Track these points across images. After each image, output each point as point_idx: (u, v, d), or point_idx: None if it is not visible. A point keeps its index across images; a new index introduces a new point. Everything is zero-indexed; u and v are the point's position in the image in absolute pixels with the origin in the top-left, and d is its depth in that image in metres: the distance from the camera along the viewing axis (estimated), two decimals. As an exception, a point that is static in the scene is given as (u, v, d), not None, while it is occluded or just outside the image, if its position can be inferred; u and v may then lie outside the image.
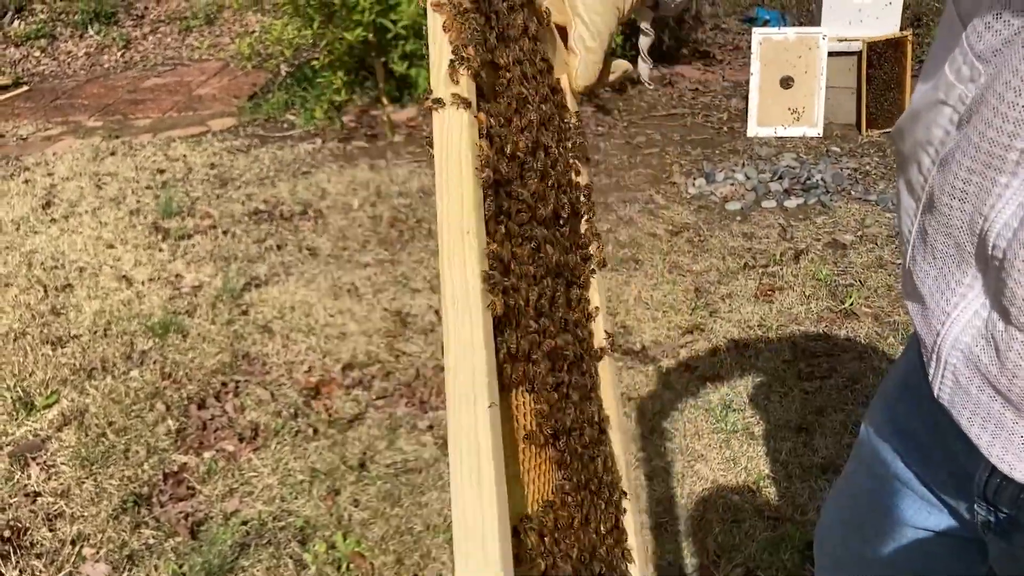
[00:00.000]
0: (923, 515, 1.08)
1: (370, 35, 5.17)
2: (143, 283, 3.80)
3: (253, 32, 6.62)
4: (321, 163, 5.09)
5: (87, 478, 2.69)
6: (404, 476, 2.66)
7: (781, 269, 3.74)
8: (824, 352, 3.16)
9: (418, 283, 3.74)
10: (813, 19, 5.52)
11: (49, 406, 3.03)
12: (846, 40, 5.14)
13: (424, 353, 3.25)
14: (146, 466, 2.74)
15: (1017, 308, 0.77)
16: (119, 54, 7.21)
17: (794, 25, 6.55)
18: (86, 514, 2.55)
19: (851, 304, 3.43)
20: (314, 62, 5.68)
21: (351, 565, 2.35)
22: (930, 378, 0.91)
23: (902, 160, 0.95)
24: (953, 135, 0.85)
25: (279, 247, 4.10)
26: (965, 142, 0.81)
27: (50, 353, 3.31)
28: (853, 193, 4.41)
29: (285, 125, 5.74)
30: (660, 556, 2.34)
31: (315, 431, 2.86)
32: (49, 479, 2.71)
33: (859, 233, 4.01)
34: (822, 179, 4.52)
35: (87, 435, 2.87)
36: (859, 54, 5.07)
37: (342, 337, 3.36)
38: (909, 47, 5.03)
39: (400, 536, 2.44)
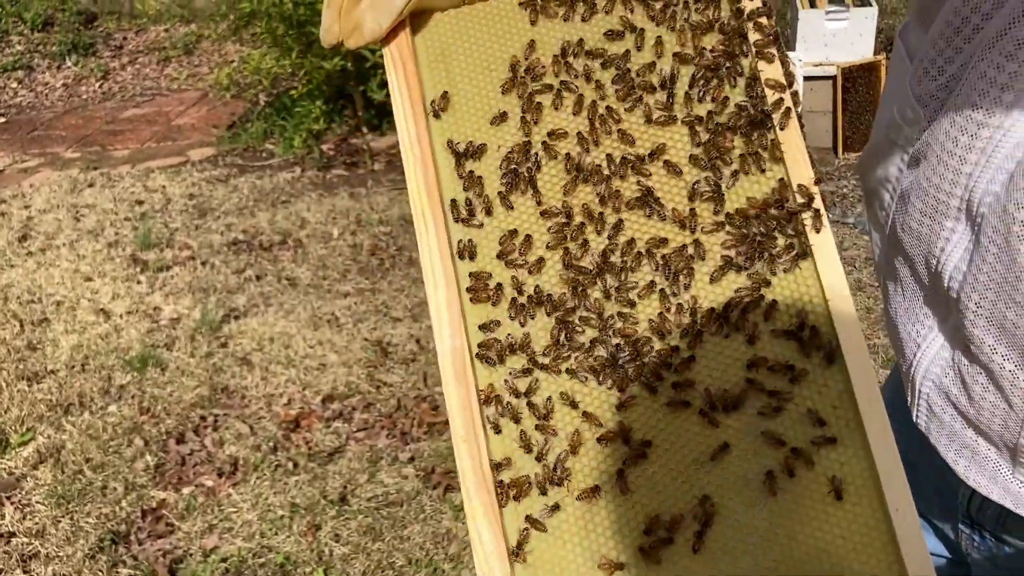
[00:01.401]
0: None
1: (348, 64, 5.19)
2: (121, 316, 3.77)
3: (232, 62, 6.63)
4: (300, 192, 5.08)
5: (63, 517, 2.65)
6: (385, 510, 2.64)
7: (761, 293, 3.75)
8: (805, 376, 3.17)
9: (399, 312, 3.72)
10: (788, 44, 5.58)
11: (24, 443, 2.99)
12: (821, 64, 5.20)
13: (406, 383, 3.23)
14: (124, 503, 2.70)
15: (976, 346, 0.79)
16: (97, 85, 7.19)
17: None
18: (62, 554, 2.51)
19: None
20: (293, 91, 5.69)
21: (332, 602, 2.32)
22: (908, 404, 0.94)
23: (867, 195, 0.98)
24: (906, 173, 0.88)
25: (258, 278, 4.08)
26: (916, 185, 0.84)
27: (26, 389, 3.27)
28: (830, 216, 4.43)
29: (264, 154, 5.73)
30: None
31: (295, 465, 2.84)
32: (24, 519, 2.66)
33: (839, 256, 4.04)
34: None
35: (63, 472, 2.83)
36: (834, 78, 5.13)
37: (322, 368, 3.34)
38: (883, 71, 5.08)
39: (382, 571, 2.42)
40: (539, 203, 0.85)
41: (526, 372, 0.82)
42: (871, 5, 5.16)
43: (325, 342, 3.52)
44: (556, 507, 0.80)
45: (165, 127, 6.40)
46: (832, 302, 0.77)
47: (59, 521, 2.63)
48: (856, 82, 5.12)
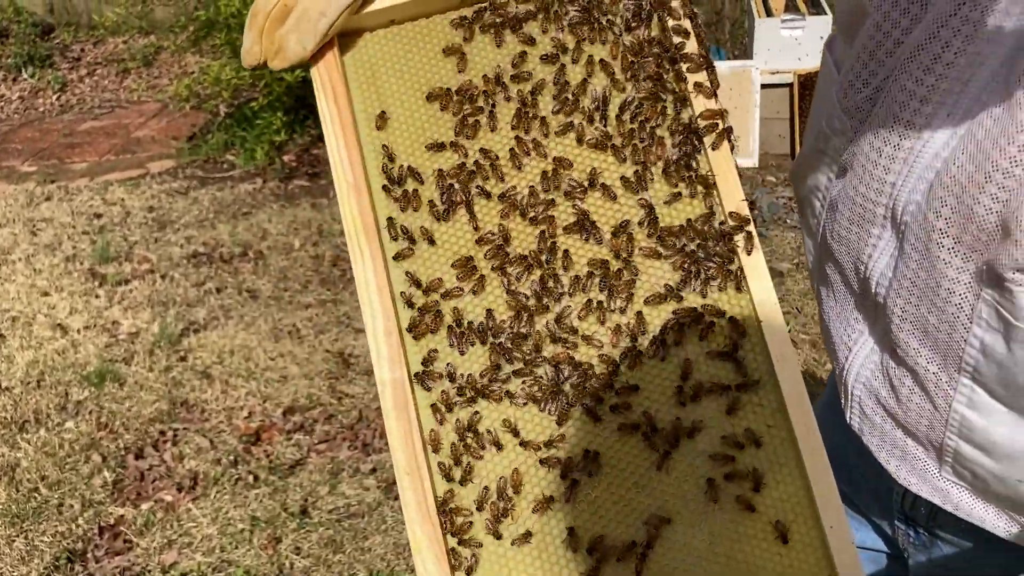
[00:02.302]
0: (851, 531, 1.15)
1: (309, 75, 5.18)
2: (79, 331, 3.73)
3: (191, 73, 6.59)
4: (262, 203, 5.05)
5: (17, 536, 2.61)
6: (347, 521, 2.63)
7: (720, 299, 3.78)
8: (764, 380, 3.20)
9: (361, 323, 3.71)
10: (745, 52, 5.65)
11: (-22, 462, 2.94)
12: (778, 72, 5.27)
13: (367, 394, 3.22)
14: (80, 520, 2.67)
15: (902, 349, 0.82)
16: (55, 97, 7.10)
17: (729, 58, 6.69)
18: (16, 574, 2.48)
19: (788, 331, 3.48)
20: (253, 103, 5.66)
21: (293, 615, 2.31)
22: (843, 406, 0.96)
23: (800, 202, 1.00)
24: (835, 182, 0.91)
25: (218, 290, 4.05)
26: (844, 194, 0.87)
27: (-20, 407, 3.22)
28: (789, 221, 4.49)
29: (225, 166, 5.69)
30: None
31: (255, 478, 2.82)
32: (-22, 538, 2.62)
33: (795, 261, 4.09)
34: (758, 208, 4.60)
35: (18, 491, 2.78)
36: (791, 86, 5.20)
37: (283, 381, 3.32)
38: (838, 78, 5.16)
39: (343, 583, 2.41)
40: (476, 228, 0.83)
41: (470, 401, 0.81)
42: (826, 13, 5.24)
43: (286, 354, 3.50)
44: (503, 540, 0.80)
45: (124, 139, 6.33)
46: (765, 321, 0.79)
47: (13, 540, 2.60)
48: (813, 89, 5.19)
